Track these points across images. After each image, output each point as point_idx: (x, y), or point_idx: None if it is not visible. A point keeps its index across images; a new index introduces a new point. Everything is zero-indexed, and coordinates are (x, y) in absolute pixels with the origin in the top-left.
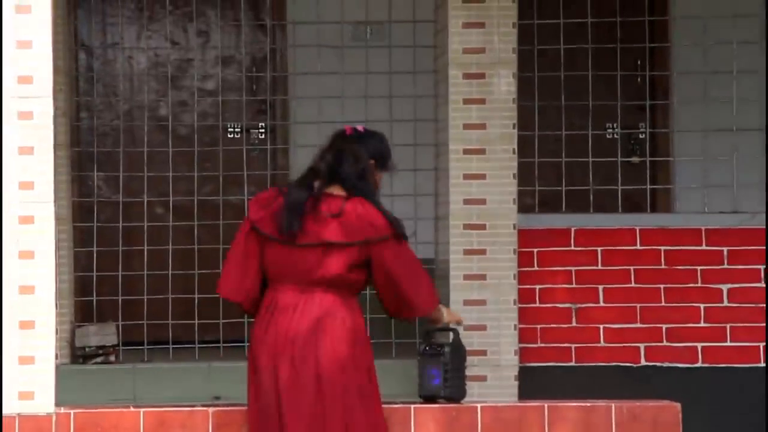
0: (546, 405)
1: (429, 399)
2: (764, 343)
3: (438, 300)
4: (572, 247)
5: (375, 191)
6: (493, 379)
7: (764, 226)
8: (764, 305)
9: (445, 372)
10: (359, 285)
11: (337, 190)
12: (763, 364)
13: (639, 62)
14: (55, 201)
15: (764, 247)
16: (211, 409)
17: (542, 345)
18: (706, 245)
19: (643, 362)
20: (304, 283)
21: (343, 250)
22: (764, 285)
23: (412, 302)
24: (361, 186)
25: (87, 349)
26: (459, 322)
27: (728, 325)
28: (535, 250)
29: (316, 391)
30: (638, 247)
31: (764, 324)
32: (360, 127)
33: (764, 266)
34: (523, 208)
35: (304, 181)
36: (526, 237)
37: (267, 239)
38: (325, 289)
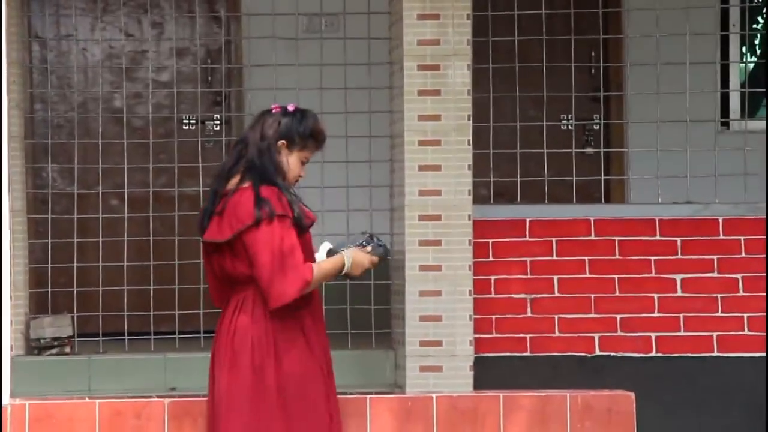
0: (501, 395)
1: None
2: (720, 333)
3: (301, 283)
4: (527, 238)
5: (277, 174)
6: (449, 370)
7: (716, 217)
8: (718, 295)
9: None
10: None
11: (234, 182)
12: (715, 354)
13: (593, 53)
14: (9, 193)
15: (719, 238)
16: (166, 400)
17: (497, 335)
18: (660, 236)
19: (597, 352)
20: (233, 282)
21: (237, 248)
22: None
23: (266, 291)
24: (256, 169)
25: (42, 341)
26: (373, 264)
27: (682, 315)
28: (491, 240)
29: (253, 389)
30: (593, 237)
31: (718, 314)
32: (291, 106)
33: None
34: (479, 199)
35: (219, 175)
36: (481, 228)
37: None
38: (253, 286)
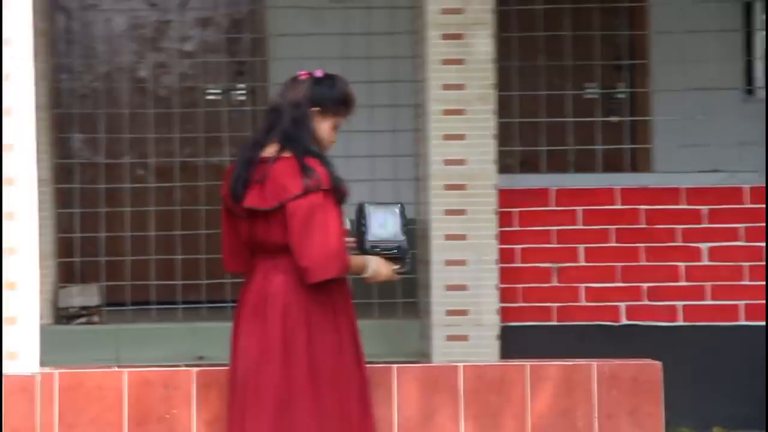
0: (528, 364)
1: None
2: (747, 302)
3: (342, 267)
4: (552, 207)
5: (312, 142)
6: (475, 339)
7: (742, 185)
8: (744, 264)
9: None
10: None
11: (271, 149)
12: (743, 323)
13: (617, 22)
14: (36, 162)
15: (745, 206)
16: (194, 369)
17: (523, 304)
18: (686, 204)
19: (623, 321)
20: (266, 250)
21: (277, 216)
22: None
23: (306, 265)
24: (295, 138)
25: (70, 310)
26: (390, 278)
27: (708, 284)
28: (516, 210)
29: (282, 357)
30: (618, 206)
31: (745, 282)
32: (318, 72)
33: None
34: (503, 168)
35: (252, 141)
36: (506, 197)
37: (234, 213)
38: (286, 254)
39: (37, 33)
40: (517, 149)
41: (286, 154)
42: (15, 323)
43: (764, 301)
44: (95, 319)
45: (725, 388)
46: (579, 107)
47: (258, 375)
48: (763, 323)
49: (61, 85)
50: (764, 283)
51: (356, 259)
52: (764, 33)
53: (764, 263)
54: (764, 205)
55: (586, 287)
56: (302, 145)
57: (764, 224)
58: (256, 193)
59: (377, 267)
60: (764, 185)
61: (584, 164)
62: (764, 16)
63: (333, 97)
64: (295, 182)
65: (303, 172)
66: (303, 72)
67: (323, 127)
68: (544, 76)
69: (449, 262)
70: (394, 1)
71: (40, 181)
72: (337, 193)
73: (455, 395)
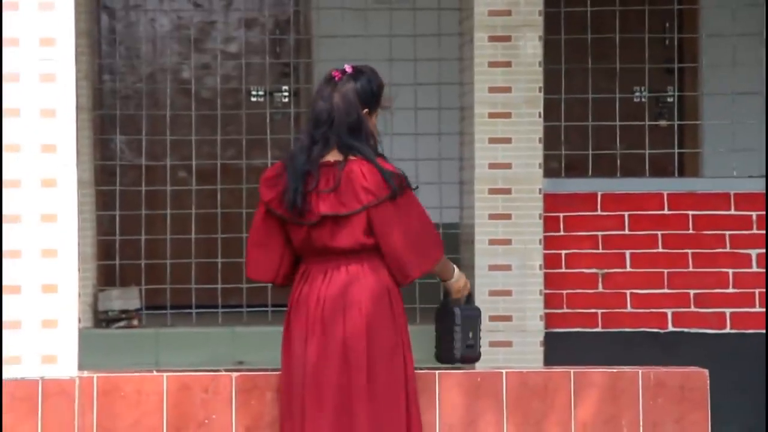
0: (572, 371)
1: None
2: None
3: (436, 259)
4: (599, 212)
5: (374, 144)
6: (519, 345)
7: None
8: None
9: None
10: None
11: (333, 155)
12: None
13: (667, 24)
14: (77, 164)
15: None
16: (234, 374)
17: (568, 310)
18: (735, 210)
19: (670, 328)
20: (327, 254)
21: (349, 220)
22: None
23: (401, 266)
24: (356, 146)
25: (110, 313)
26: (467, 293)
27: (757, 291)
28: (561, 214)
29: (342, 360)
30: (666, 211)
31: None
32: (348, 68)
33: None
34: (549, 172)
35: (303, 150)
36: (552, 201)
37: (284, 219)
38: (349, 258)
39: (81, 33)
40: (564, 153)
41: (353, 157)
42: (54, 326)
43: None
44: (135, 322)
45: None
46: (627, 111)
47: (319, 378)
48: None
49: (104, 86)
50: None
51: (448, 262)
52: None
53: None
54: None
55: (632, 293)
56: (367, 149)
57: None
58: (331, 199)
59: (462, 278)
60: None
61: (631, 168)
62: None
63: (375, 93)
64: (378, 185)
65: (382, 175)
66: (336, 72)
67: (372, 123)
68: (591, 78)
69: (493, 267)
70: (440, 2)
71: (81, 183)
72: (411, 187)
73: (498, 402)
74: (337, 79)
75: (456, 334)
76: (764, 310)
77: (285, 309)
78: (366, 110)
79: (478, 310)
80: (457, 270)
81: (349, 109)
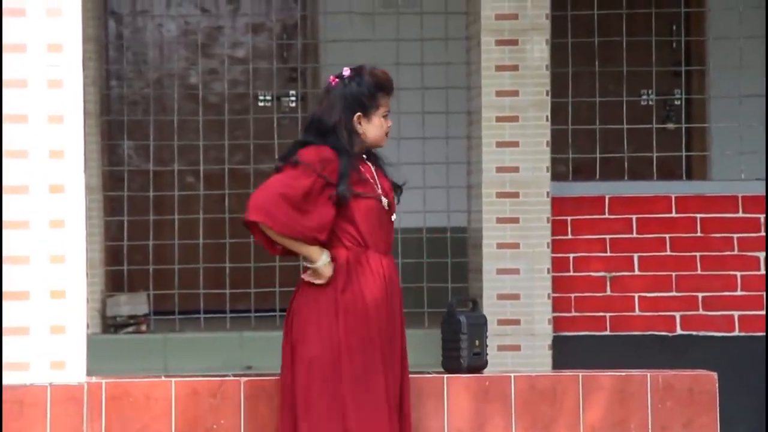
0: (581, 374)
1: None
2: None
3: (247, 216)
4: (607, 215)
5: (347, 140)
6: (527, 349)
7: None
8: None
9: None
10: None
11: None
12: None
13: (674, 27)
14: (85, 170)
15: None
16: (242, 379)
17: (576, 314)
18: (743, 212)
19: (678, 331)
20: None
21: None
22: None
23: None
24: (330, 141)
25: (118, 319)
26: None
27: (765, 293)
28: (569, 218)
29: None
30: (674, 214)
31: None
32: (346, 71)
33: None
34: (557, 175)
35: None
36: (559, 205)
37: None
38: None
39: (88, 39)
40: (571, 156)
41: None
42: (62, 332)
43: None
44: (143, 328)
45: None
46: (634, 114)
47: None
48: None
49: (111, 92)
50: None
51: (301, 246)
52: None
53: None
54: None
55: (641, 297)
56: (340, 143)
57: None
58: None
59: (325, 266)
60: None
61: (639, 171)
62: None
63: (365, 94)
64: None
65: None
66: (332, 77)
67: (372, 127)
68: (599, 82)
69: (501, 271)
70: (447, 6)
71: (89, 188)
72: (328, 181)
73: (507, 405)
74: (333, 84)
75: (462, 342)
76: None
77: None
78: (359, 115)
79: (484, 318)
80: (321, 258)
81: (325, 114)
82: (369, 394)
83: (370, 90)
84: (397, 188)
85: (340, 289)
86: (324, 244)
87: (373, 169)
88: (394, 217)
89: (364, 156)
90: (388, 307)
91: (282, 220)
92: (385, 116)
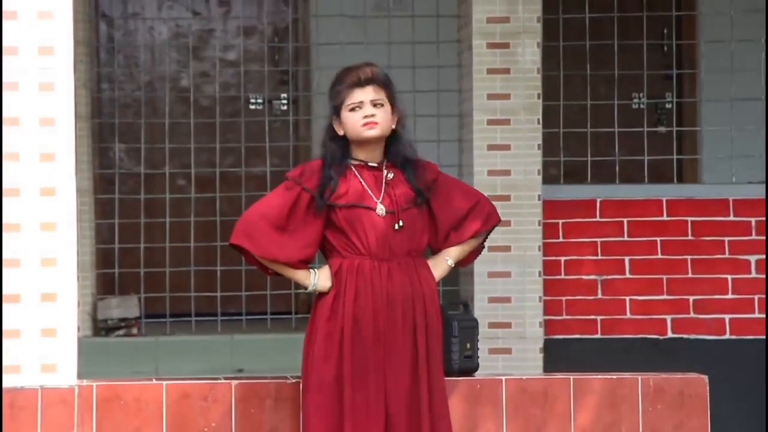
0: (572, 377)
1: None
2: None
3: (232, 239)
4: (598, 219)
5: (329, 146)
6: (518, 352)
7: None
8: None
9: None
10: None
11: None
12: None
13: (666, 31)
14: (76, 173)
15: None
16: (233, 382)
17: (567, 317)
18: (734, 216)
19: (669, 334)
20: None
21: None
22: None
23: None
24: (321, 153)
25: (109, 322)
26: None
27: (756, 297)
28: (561, 221)
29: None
30: (665, 218)
31: None
32: None
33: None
34: (548, 179)
35: None
36: (551, 208)
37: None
38: None
39: (79, 42)
40: (563, 159)
41: None
42: (53, 335)
43: None
44: (134, 330)
45: None
46: (626, 117)
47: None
48: None
49: (103, 95)
50: None
51: (292, 272)
52: None
53: None
54: None
55: (632, 300)
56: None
57: None
58: None
59: (316, 288)
60: None
61: (630, 175)
62: None
63: (330, 95)
64: None
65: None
66: None
67: (346, 124)
68: (590, 85)
69: (492, 274)
70: (438, 9)
71: (80, 191)
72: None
73: (498, 409)
74: None
75: (453, 345)
76: (763, 316)
77: (284, 316)
78: (335, 117)
79: (475, 321)
80: (310, 282)
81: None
82: (331, 403)
83: (332, 88)
84: (420, 195)
85: (332, 296)
86: (326, 255)
87: (385, 174)
88: (397, 226)
89: (367, 163)
90: (387, 311)
91: (263, 244)
92: (353, 109)
